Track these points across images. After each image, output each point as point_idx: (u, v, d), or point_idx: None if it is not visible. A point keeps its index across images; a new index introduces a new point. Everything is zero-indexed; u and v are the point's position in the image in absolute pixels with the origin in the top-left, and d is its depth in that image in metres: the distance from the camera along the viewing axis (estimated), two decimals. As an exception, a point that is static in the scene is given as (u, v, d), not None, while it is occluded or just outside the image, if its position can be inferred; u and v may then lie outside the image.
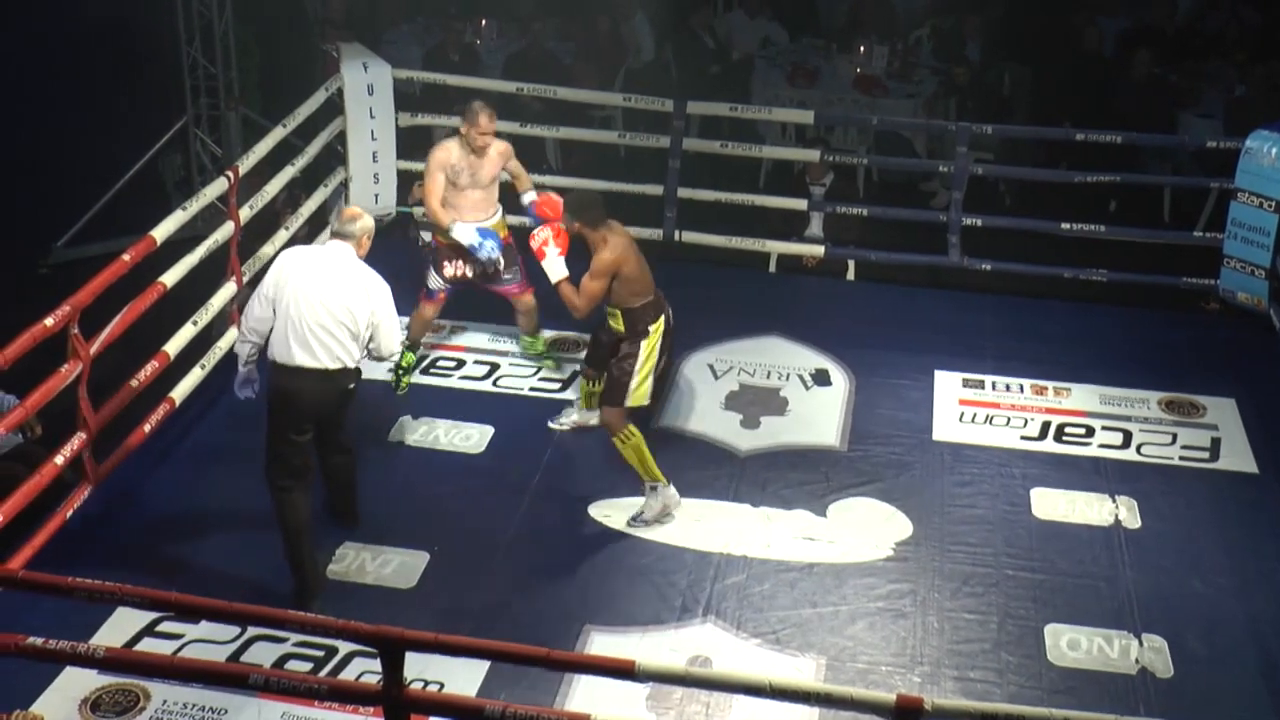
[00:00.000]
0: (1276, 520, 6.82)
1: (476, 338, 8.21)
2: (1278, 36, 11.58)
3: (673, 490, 6.67)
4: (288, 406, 5.92)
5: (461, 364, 7.97)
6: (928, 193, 10.74)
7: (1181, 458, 7.30)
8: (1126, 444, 7.39)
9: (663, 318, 6.63)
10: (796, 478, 7.02)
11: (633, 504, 6.70)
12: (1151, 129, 9.77)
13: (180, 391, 7.12)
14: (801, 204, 9.38)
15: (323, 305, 5.84)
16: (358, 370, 6.05)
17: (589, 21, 11.51)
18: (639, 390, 6.58)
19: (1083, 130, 9.11)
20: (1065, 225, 8.96)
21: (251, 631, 5.76)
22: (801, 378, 7.90)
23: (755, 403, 7.69)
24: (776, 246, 9.28)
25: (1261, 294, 8.43)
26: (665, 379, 7.26)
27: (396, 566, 6.32)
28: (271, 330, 5.92)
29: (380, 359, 6.21)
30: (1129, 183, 9.50)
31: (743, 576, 6.33)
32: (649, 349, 6.58)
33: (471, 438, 7.30)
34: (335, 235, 6.11)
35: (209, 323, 7.43)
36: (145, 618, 5.78)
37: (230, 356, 7.60)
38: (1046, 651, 5.95)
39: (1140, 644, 5.98)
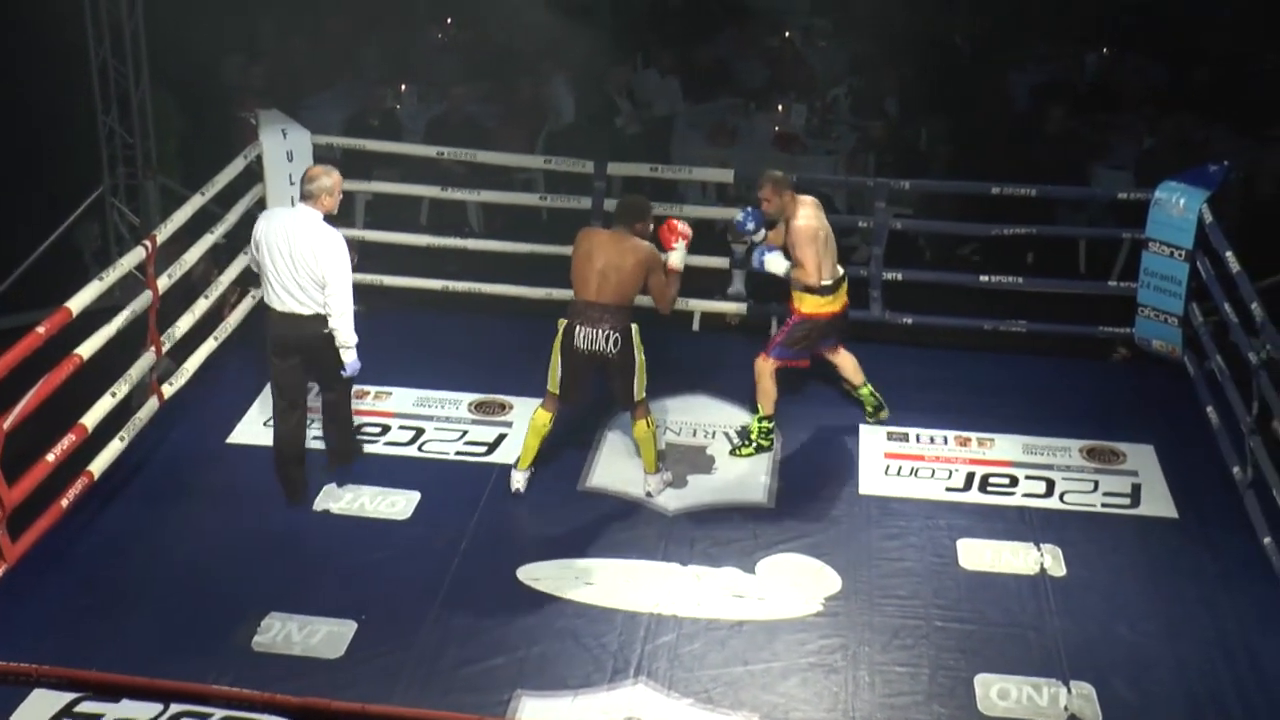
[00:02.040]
0: (1197, 564, 6.90)
1: (401, 403, 8.17)
2: (1183, 91, 11.84)
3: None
4: (272, 341, 7.03)
5: (387, 429, 7.92)
6: (848, 248, 10.81)
7: (1104, 505, 7.38)
8: (1050, 492, 7.46)
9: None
10: (725, 535, 7.02)
11: (564, 566, 6.71)
12: (1065, 181, 9.92)
13: (99, 465, 7.02)
14: (723, 262, 9.43)
15: (289, 259, 6.76)
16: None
17: (510, 85, 11.56)
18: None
19: (999, 184, 9.25)
20: (984, 278, 9.06)
21: (175, 708, 5.66)
22: (727, 435, 7.92)
23: (682, 461, 7.70)
24: (699, 305, 9.32)
25: (1175, 341, 8.57)
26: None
27: (324, 636, 6.25)
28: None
29: (331, 316, 6.87)
30: (1045, 235, 9.64)
31: (673, 636, 6.31)
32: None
33: (398, 504, 7.24)
34: (301, 197, 6.89)
35: (128, 394, 7.34)
36: (63, 698, 5.66)
37: (150, 429, 7.54)
38: (977, 702, 5.97)
39: (1069, 691, 6.01)
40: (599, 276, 7.02)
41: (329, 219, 6.91)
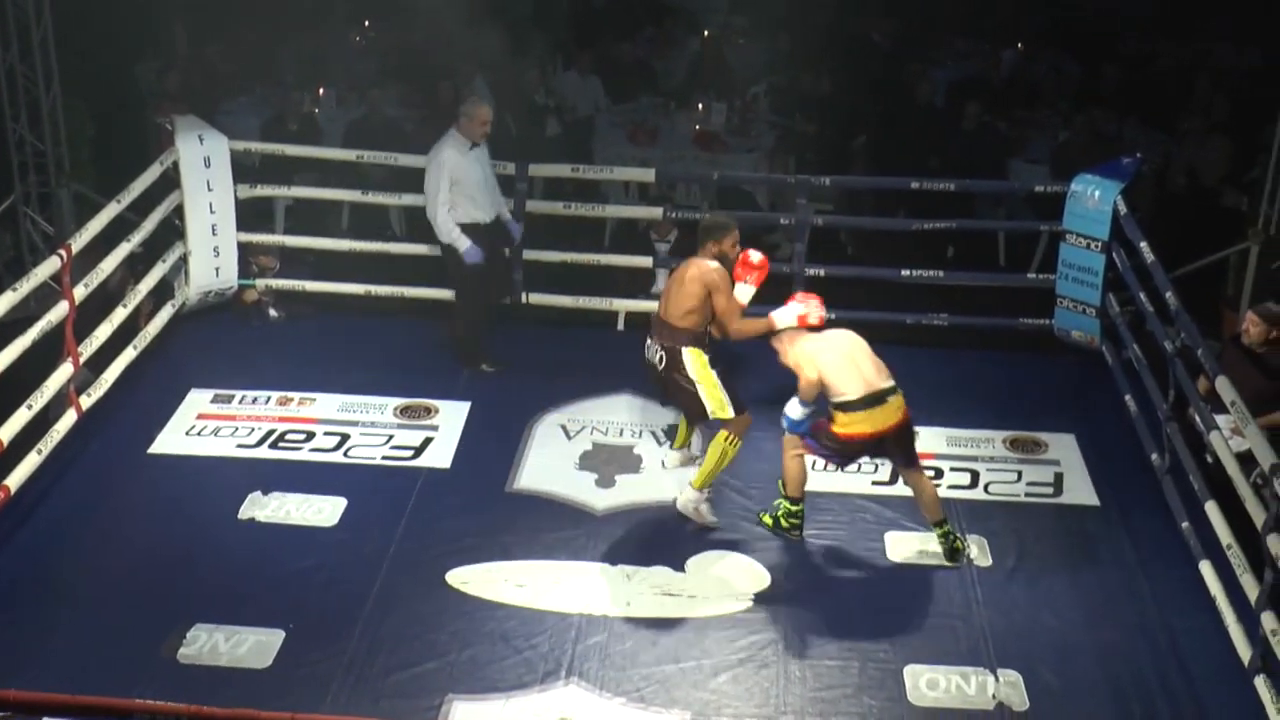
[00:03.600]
0: (1118, 551, 7.00)
1: (326, 408, 8.11)
2: (1096, 85, 12.02)
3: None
4: None
5: (311, 436, 7.86)
6: (771, 245, 10.87)
7: (1027, 494, 7.47)
8: (974, 483, 7.53)
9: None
10: (654, 534, 7.03)
11: (493, 569, 6.72)
12: (984, 176, 10.04)
13: (16, 479, 6.91)
14: (647, 261, 9.45)
15: None
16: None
17: (429, 88, 11.50)
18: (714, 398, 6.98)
19: (918, 178, 9.34)
20: (906, 272, 9.14)
21: (99, 723, 5.58)
22: (654, 434, 7.93)
23: (610, 461, 7.69)
24: (624, 305, 9.33)
25: (1094, 331, 8.69)
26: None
27: (251, 646, 6.18)
28: None
29: None
30: (965, 229, 9.74)
31: (604, 636, 6.31)
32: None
33: (324, 511, 7.19)
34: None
35: (45, 406, 7.23)
36: (-14, 716, 5.57)
37: (67, 441, 7.43)
38: (907, 693, 6.01)
39: (996, 679, 6.08)
40: (665, 293, 7.10)
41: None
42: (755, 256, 7.22)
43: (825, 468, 7.51)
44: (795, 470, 6.95)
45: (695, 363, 6.98)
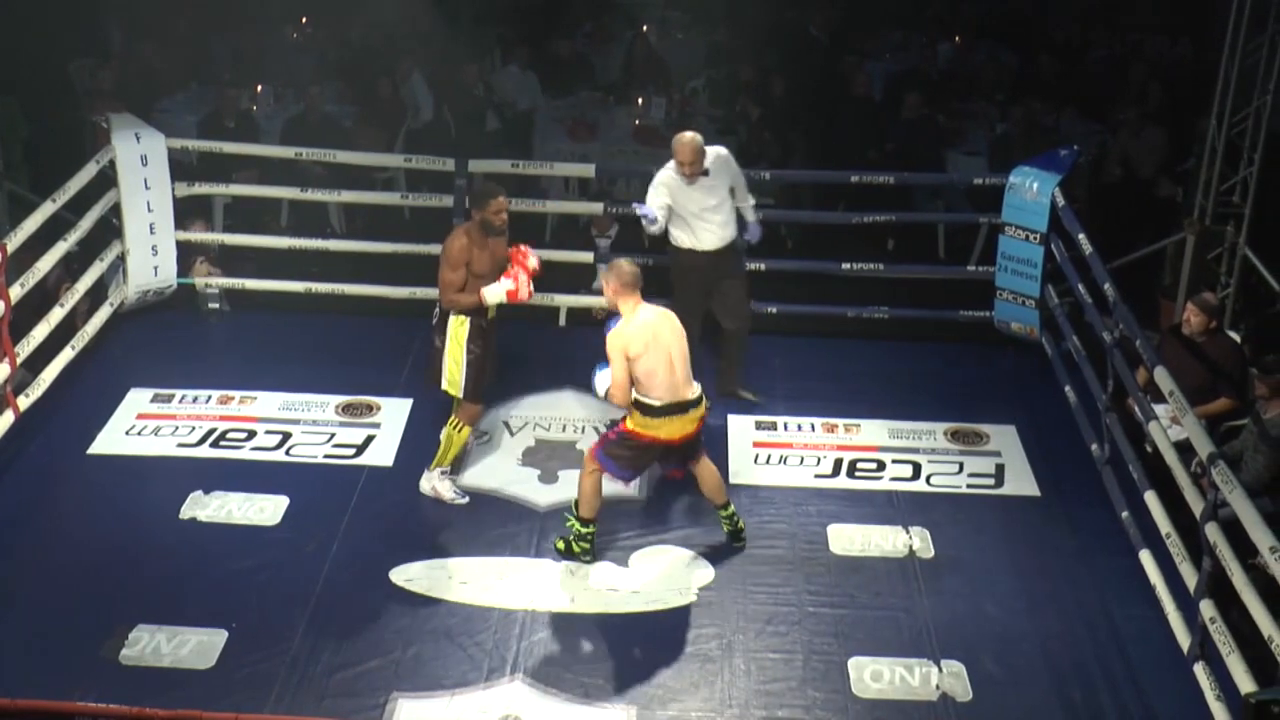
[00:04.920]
0: (1059, 540, 7.07)
1: (267, 407, 8.05)
2: (1034, 76, 12.13)
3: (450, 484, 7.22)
4: None
5: (252, 435, 7.80)
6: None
7: (969, 485, 7.53)
8: (916, 476, 7.59)
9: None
10: (598, 530, 7.02)
11: (437, 566, 6.71)
12: (922, 168, 10.10)
13: (-47, 480, 6.82)
14: (588, 256, 9.44)
15: None
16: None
17: (367, 84, 11.45)
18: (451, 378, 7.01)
19: (858, 172, 9.38)
20: (846, 265, 9.18)
21: (41, 727, 5.52)
22: (597, 429, 7.93)
23: (553, 457, 7.69)
24: (565, 300, 9.31)
25: (1033, 323, 8.77)
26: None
27: (194, 646, 6.13)
28: None
29: None
30: (904, 221, 9.80)
31: (548, 632, 6.31)
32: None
33: (266, 509, 7.14)
34: None
35: (-19, 407, 7.15)
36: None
37: (4, 442, 7.34)
38: (851, 685, 6.05)
39: (940, 670, 6.13)
40: None
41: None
42: (531, 259, 7.04)
43: (768, 461, 7.56)
44: (589, 489, 6.69)
45: (454, 331, 7.00)
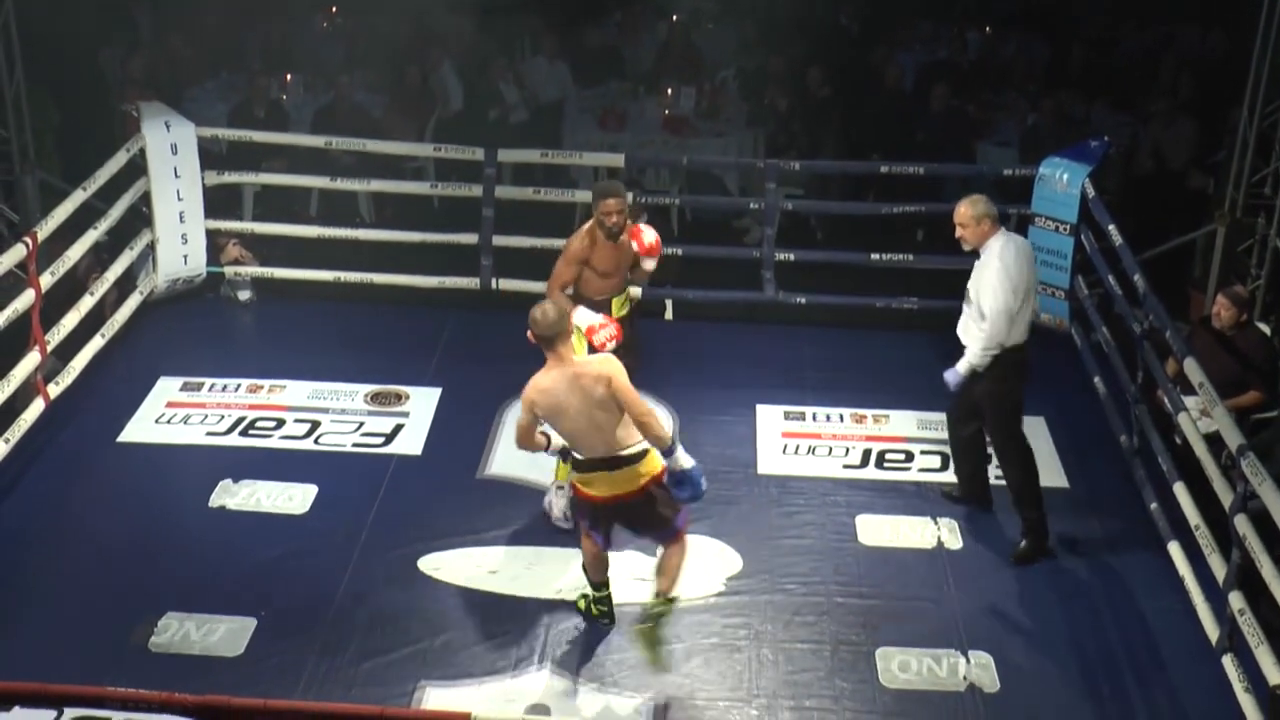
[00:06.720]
0: (1086, 532, 7.04)
1: (296, 396, 8.08)
2: (1064, 68, 12.06)
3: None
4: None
5: (281, 423, 7.83)
6: (740, 230, 10.89)
7: (996, 477, 7.45)
8: (945, 467, 7.55)
9: None
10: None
11: (465, 555, 6.74)
12: (952, 159, 10.06)
13: (-16, 467, 6.87)
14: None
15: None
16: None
17: (398, 74, 11.46)
18: None
19: (888, 163, 9.34)
20: (875, 256, 9.16)
21: (70, 713, 5.55)
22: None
23: (581, 446, 7.68)
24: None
25: (1063, 314, 8.73)
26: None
27: (223, 634, 6.17)
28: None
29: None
30: (934, 212, 9.75)
31: (576, 621, 6.31)
32: None
33: (295, 498, 7.16)
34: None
35: (12, 395, 7.18)
36: (-44, 707, 5.54)
37: (34, 430, 7.37)
38: (879, 675, 6.04)
39: (968, 661, 6.11)
40: None
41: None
42: (648, 237, 6.82)
43: (797, 451, 7.56)
44: (586, 550, 6.14)
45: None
